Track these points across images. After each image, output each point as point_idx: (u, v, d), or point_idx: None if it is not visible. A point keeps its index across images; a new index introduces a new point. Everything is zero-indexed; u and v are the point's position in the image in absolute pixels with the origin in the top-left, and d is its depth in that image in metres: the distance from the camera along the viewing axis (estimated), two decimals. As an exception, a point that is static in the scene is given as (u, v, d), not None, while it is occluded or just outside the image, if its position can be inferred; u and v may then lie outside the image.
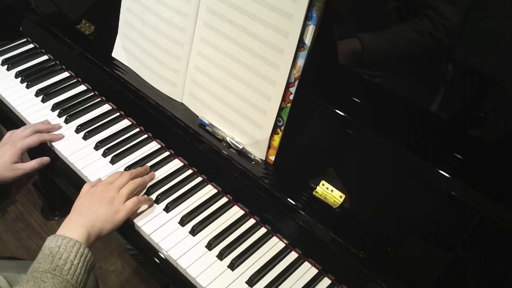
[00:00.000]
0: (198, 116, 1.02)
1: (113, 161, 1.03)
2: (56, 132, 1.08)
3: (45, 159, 1.04)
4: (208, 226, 0.92)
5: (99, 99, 1.18)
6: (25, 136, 1.03)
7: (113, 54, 1.17)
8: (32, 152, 1.07)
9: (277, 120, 0.90)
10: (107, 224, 0.85)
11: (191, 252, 0.88)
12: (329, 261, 0.85)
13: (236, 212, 0.95)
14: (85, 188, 0.92)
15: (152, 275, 0.97)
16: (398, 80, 0.85)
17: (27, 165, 1.01)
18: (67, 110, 1.14)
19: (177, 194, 0.97)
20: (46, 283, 0.72)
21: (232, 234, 0.91)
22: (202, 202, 0.96)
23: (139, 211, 0.93)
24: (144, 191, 0.97)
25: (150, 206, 0.95)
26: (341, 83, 0.87)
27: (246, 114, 0.94)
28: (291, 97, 0.87)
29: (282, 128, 0.90)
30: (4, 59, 1.28)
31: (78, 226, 0.81)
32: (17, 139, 1.02)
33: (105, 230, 0.85)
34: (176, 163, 1.04)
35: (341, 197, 0.86)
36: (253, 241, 0.90)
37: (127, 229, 0.92)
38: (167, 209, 0.94)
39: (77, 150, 1.05)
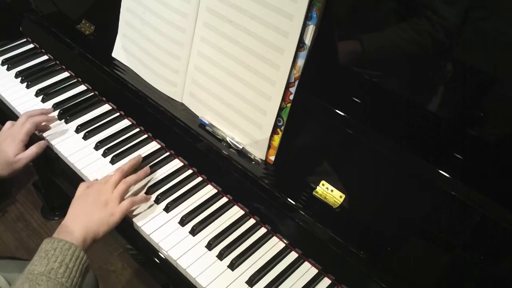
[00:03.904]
0: (198, 116, 1.02)
1: (113, 161, 1.03)
2: (52, 128, 1.09)
3: (42, 142, 1.04)
4: (208, 226, 0.92)
5: (99, 99, 1.18)
6: (21, 124, 1.04)
7: (113, 54, 1.17)
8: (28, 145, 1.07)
9: (277, 120, 0.90)
10: (102, 227, 0.85)
11: (191, 252, 0.88)
12: (329, 261, 0.85)
13: (236, 212, 0.95)
14: (80, 188, 0.92)
15: (152, 275, 0.97)
16: (398, 80, 0.84)
17: (28, 152, 1.01)
18: (67, 110, 1.14)
19: (177, 194, 0.97)
20: (41, 286, 0.72)
21: (232, 234, 0.91)
22: (202, 202, 0.96)
23: (139, 211, 0.93)
24: (144, 190, 0.97)
25: (150, 206, 0.95)
26: (341, 83, 0.87)
27: (246, 114, 0.93)
28: (291, 97, 0.87)
29: (282, 128, 0.90)
30: (4, 59, 1.28)
31: (74, 229, 0.82)
32: (15, 130, 1.03)
33: (101, 233, 0.85)
34: (176, 163, 1.04)
35: (341, 197, 0.86)
36: (253, 241, 0.90)
37: (127, 229, 0.93)
38: (167, 209, 0.94)
39: (77, 150, 1.05)
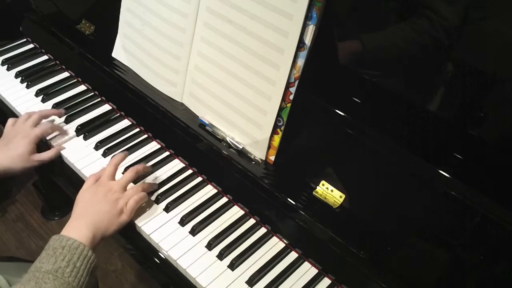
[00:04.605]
0: (198, 116, 1.02)
1: (113, 161, 1.03)
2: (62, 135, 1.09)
3: (62, 147, 1.04)
4: (208, 226, 0.92)
5: (99, 99, 1.18)
6: (34, 123, 1.03)
7: (113, 54, 1.17)
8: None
9: (277, 120, 0.90)
10: (111, 226, 0.85)
11: (191, 252, 0.88)
12: (329, 261, 0.85)
13: (236, 212, 0.95)
14: (89, 181, 0.91)
15: (152, 275, 0.97)
16: (398, 80, 0.85)
17: (44, 155, 1.01)
18: (67, 110, 1.14)
19: (177, 194, 0.97)
20: (47, 284, 0.72)
21: (232, 234, 0.91)
22: (202, 202, 0.96)
23: (139, 211, 0.93)
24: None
25: (150, 206, 0.95)
26: (341, 83, 0.87)
27: (246, 114, 0.94)
28: (291, 97, 0.87)
29: (282, 128, 0.90)
30: (4, 59, 1.28)
31: (83, 227, 0.81)
32: (26, 127, 1.01)
33: (109, 231, 0.85)
34: (176, 163, 1.04)
35: (341, 197, 0.86)
36: (253, 241, 0.90)
37: (127, 229, 0.92)
38: (167, 209, 0.94)
39: (77, 150, 1.05)
